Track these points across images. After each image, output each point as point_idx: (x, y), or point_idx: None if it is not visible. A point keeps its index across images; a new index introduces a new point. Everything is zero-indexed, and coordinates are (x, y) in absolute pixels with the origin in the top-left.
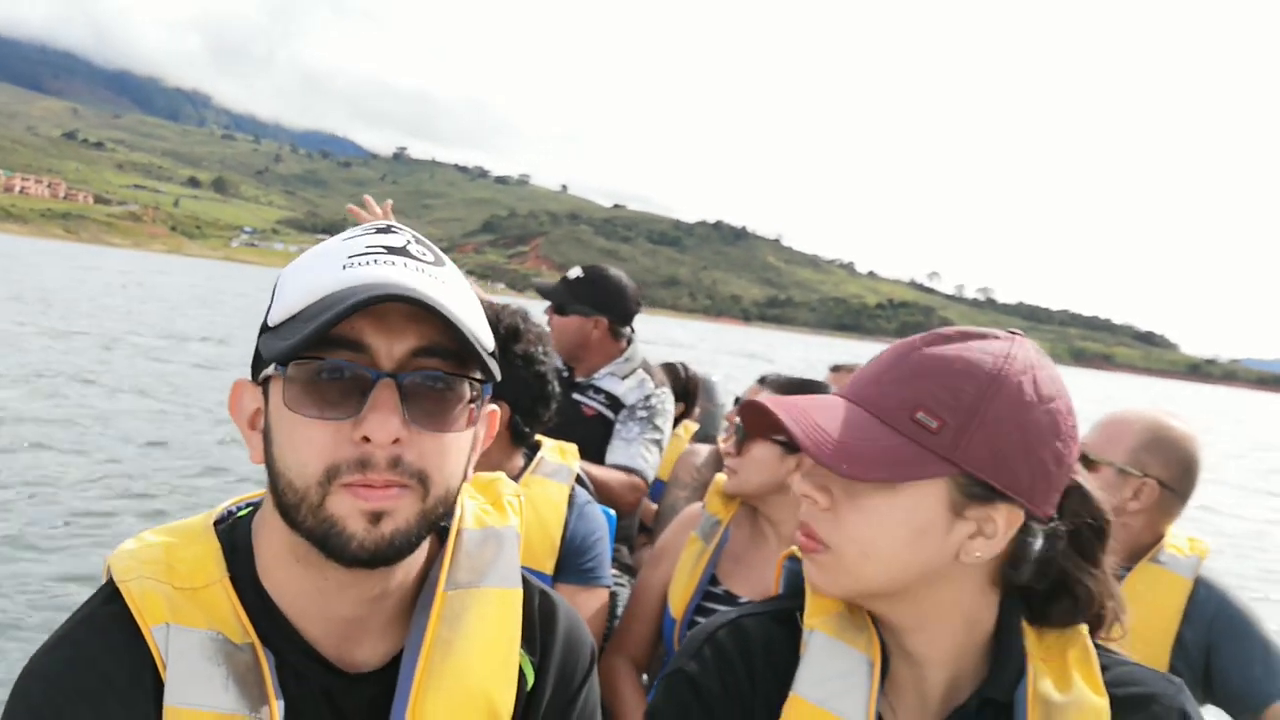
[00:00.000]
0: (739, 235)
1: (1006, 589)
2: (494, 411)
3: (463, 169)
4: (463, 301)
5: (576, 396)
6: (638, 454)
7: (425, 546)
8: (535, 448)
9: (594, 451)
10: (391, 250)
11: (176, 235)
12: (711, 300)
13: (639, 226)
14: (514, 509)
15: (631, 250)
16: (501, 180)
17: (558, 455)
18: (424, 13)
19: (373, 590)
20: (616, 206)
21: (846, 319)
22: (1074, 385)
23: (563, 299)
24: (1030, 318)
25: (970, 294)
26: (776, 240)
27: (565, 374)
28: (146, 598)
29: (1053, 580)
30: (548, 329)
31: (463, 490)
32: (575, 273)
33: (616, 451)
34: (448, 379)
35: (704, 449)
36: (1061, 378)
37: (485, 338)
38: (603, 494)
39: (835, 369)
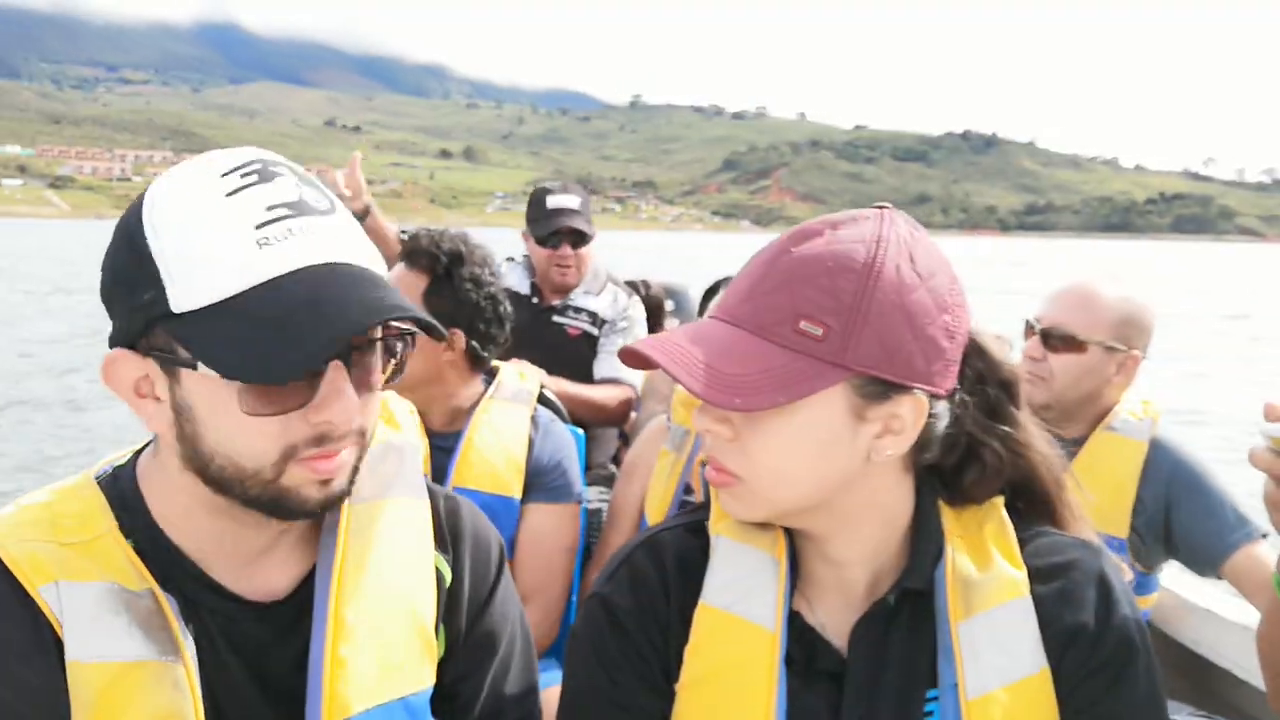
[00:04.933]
0: (989, 143)
1: (919, 471)
2: None
3: (699, 109)
4: (376, 254)
5: (558, 320)
6: (622, 364)
7: None
8: (493, 373)
9: (585, 370)
10: (292, 208)
11: (435, 207)
12: (965, 213)
13: (882, 145)
14: (408, 423)
15: (876, 171)
16: (738, 116)
17: (516, 378)
18: None
19: (283, 526)
20: (858, 128)
21: (1114, 218)
22: None
23: (588, 226)
24: None
25: (1252, 178)
26: (1030, 143)
27: (535, 300)
28: (29, 559)
29: (962, 450)
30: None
31: None
32: (575, 200)
33: (602, 365)
34: (383, 343)
35: None
36: (937, 245)
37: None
38: (595, 411)
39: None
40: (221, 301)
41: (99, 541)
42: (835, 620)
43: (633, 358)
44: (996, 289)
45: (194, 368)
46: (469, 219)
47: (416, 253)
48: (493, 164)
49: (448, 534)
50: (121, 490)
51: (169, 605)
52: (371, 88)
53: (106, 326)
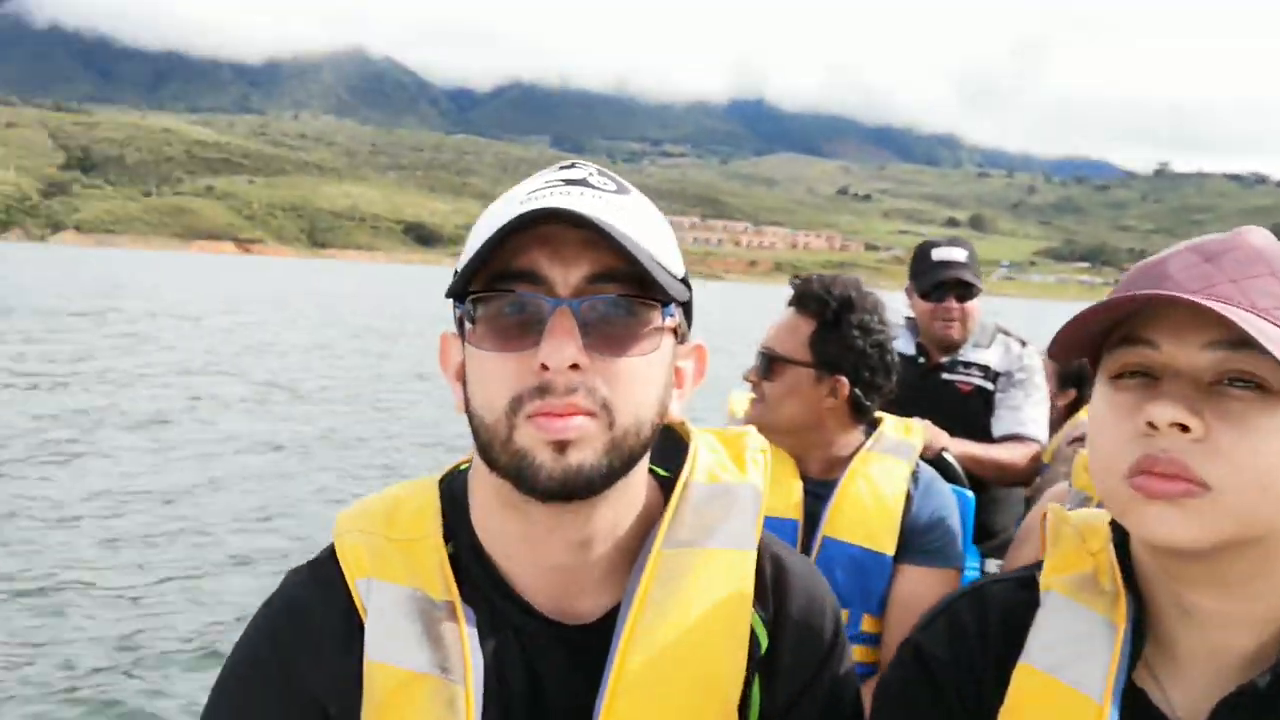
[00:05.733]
0: None
1: None
2: (699, 346)
3: (1235, 177)
4: (641, 225)
5: (948, 377)
6: (1027, 419)
7: (640, 497)
8: (875, 424)
9: (980, 427)
10: (570, 182)
11: None
12: None
13: None
14: (757, 465)
15: None
16: None
17: (900, 431)
18: (1169, 20)
19: (576, 533)
20: None
21: None
22: None
23: (974, 279)
24: None
25: None
26: None
27: (921, 360)
28: (354, 551)
29: None
30: (880, 297)
31: (701, 442)
32: (961, 253)
33: (1003, 421)
34: (627, 303)
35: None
36: None
37: (669, 261)
38: (1000, 470)
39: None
40: (475, 253)
41: (421, 543)
42: (1188, 701)
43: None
44: None
45: (463, 325)
46: None
47: (806, 297)
48: (1000, 233)
49: (771, 592)
50: (454, 492)
51: (465, 620)
52: (883, 157)
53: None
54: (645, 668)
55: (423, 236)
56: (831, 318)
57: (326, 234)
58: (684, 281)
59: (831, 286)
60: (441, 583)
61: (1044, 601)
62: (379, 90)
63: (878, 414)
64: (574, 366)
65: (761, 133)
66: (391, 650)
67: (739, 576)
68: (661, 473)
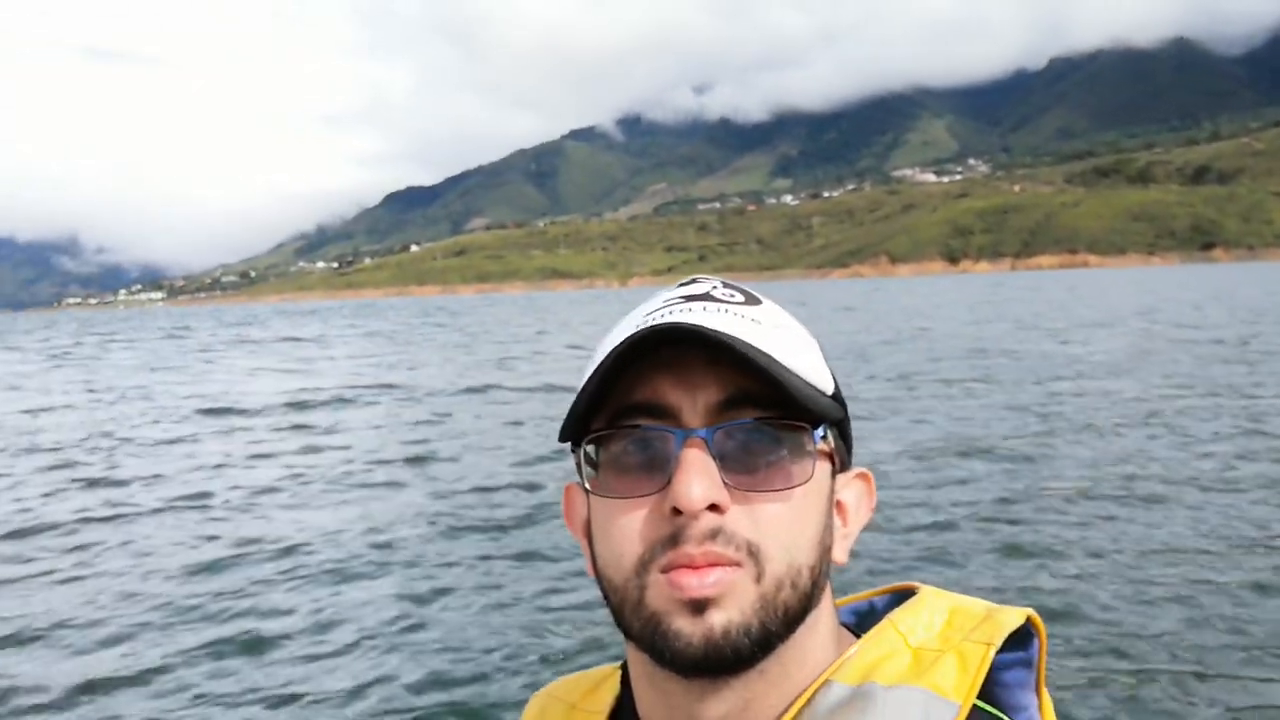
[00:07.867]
0: None
1: None
2: (864, 474)
3: None
4: (779, 337)
5: None
6: None
7: (820, 668)
8: None
9: None
10: (691, 298)
11: None
12: None
13: None
14: (965, 663)
15: None
16: None
17: None
18: None
19: (718, 715)
20: None
21: None
22: None
23: None
24: None
25: None
26: None
27: None
28: (528, 716)
29: None
30: None
31: (901, 620)
32: None
33: None
34: (770, 428)
35: None
36: None
37: (815, 376)
38: None
39: None
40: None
41: (594, 716)
42: None
43: None
44: None
45: (583, 472)
46: None
47: None
48: None
49: None
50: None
51: None
52: None
53: None
54: None
55: None
56: None
57: None
58: (836, 398)
59: None
60: None
61: None
62: None
63: None
64: (713, 507)
65: None
66: None
67: None
68: None
